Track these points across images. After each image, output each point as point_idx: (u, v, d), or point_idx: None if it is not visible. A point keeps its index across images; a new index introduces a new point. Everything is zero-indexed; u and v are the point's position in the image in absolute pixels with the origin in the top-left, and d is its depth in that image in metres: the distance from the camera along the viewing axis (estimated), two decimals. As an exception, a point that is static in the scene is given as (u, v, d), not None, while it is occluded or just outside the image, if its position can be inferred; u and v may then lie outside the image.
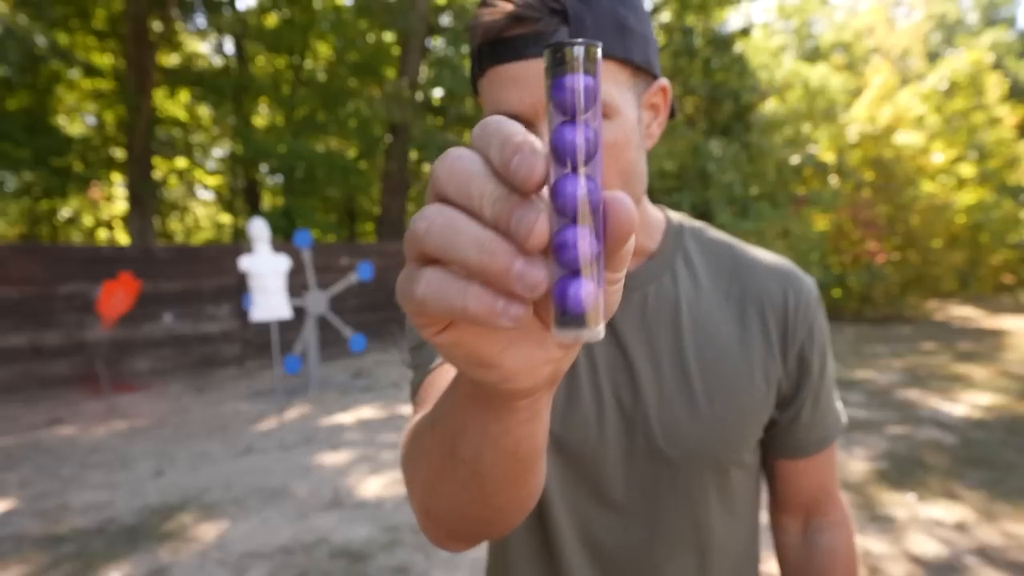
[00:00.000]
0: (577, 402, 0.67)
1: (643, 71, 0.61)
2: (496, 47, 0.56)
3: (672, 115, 0.69)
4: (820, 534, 0.77)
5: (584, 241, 0.25)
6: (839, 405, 0.77)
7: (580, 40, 0.25)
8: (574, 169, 0.25)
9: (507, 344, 0.30)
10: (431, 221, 0.26)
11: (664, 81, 0.65)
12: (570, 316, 0.26)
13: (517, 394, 0.34)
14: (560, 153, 0.25)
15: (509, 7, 0.55)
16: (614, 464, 0.67)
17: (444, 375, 0.69)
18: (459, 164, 0.26)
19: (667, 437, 0.66)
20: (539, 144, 0.25)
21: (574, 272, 0.26)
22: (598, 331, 0.26)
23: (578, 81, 0.25)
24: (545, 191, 0.26)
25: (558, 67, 0.25)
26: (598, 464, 0.67)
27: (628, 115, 0.59)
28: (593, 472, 0.68)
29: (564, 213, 0.25)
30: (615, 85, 0.58)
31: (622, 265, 0.27)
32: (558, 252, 0.25)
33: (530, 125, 0.56)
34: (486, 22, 0.56)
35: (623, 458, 0.67)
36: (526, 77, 0.55)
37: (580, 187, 0.25)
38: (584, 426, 0.67)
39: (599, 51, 0.26)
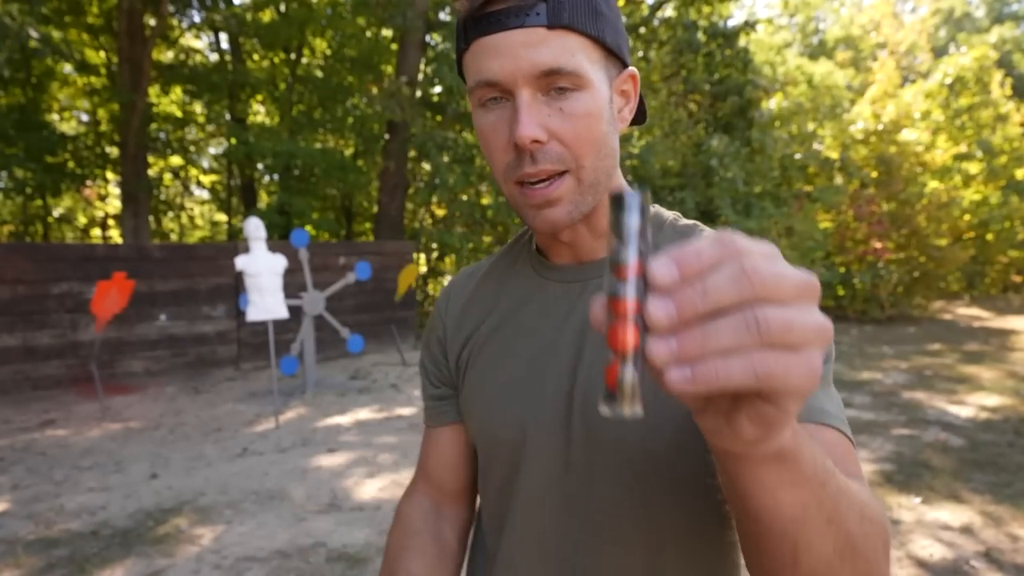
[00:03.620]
0: (519, 383, 0.69)
1: (614, 56, 0.65)
2: (480, 21, 0.60)
3: (643, 114, 0.74)
4: None
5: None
6: (834, 406, 0.63)
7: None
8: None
9: None
10: None
11: (633, 69, 0.68)
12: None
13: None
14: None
15: None
16: (551, 451, 0.67)
17: (442, 436, 0.82)
18: None
19: (603, 423, 0.64)
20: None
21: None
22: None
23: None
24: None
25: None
26: (537, 449, 0.68)
27: (600, 90, 0.62)
28: (531, 458, 0.68)
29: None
30: (589, 61, 0.61)
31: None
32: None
33: (507, 91, 0.60)
34: None
35: (561, 442, 0.67)
36: (506, 46, 0.59)
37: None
38: (522, 407, 0.69)
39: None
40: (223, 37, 12.28)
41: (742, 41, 10.52)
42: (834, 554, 0.45)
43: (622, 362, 0.32)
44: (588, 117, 0.61)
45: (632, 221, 0.32)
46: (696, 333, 0.31)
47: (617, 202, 0.33)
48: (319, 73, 12.12)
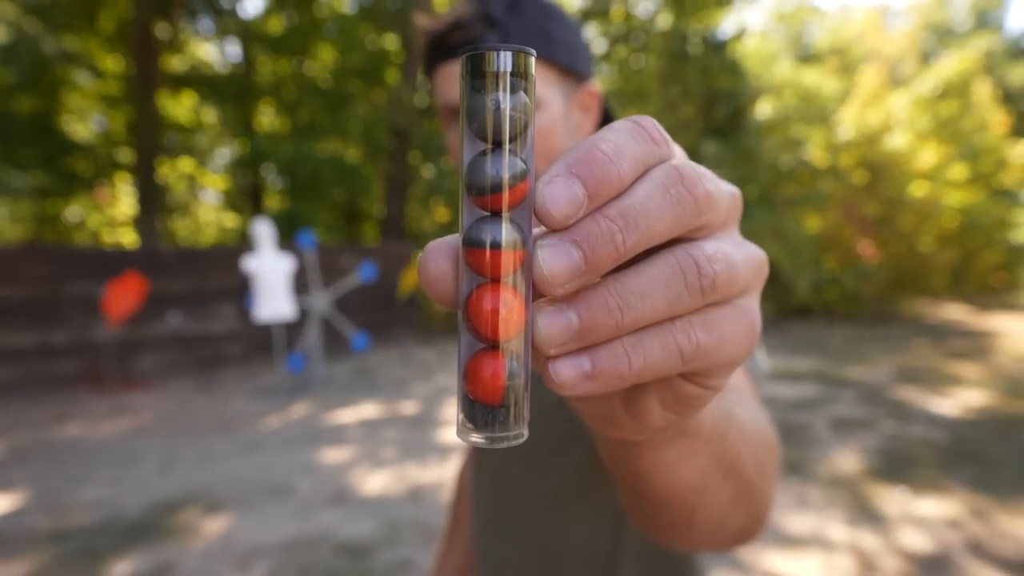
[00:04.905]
0: None
1: (571, 74, 0.69)
2: (441, 50, 0.67)
3: (609, 120, 0.76)
4: None
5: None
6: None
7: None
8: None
9: None
10: None
11: (593, 85, 0.72)
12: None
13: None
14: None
15: (450, 18, 0.65)
16: None
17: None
18: None
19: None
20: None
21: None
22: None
23: (503, 100, 0.20)
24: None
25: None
26: None
27: (554, 108, 0.66)
28: None
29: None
30: (543, 82, 0.65)
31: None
32: None
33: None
34: (432, 30, 0.67)
35: None
36: None
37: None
38: None
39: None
40: (233, 46, 12.40)
41: (733, 50, 10.61)
42: (730, 503, 0.40)
43: (509, 356, 0.21)
44: (542, 135, 0.65)
45: (501, 99, 0.20)
46: (610, 295, 0.20)
47: (473, 61, 0.20)
48: (325, 80, 12.20)
